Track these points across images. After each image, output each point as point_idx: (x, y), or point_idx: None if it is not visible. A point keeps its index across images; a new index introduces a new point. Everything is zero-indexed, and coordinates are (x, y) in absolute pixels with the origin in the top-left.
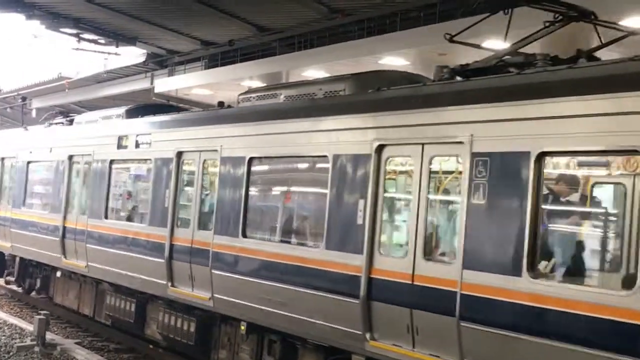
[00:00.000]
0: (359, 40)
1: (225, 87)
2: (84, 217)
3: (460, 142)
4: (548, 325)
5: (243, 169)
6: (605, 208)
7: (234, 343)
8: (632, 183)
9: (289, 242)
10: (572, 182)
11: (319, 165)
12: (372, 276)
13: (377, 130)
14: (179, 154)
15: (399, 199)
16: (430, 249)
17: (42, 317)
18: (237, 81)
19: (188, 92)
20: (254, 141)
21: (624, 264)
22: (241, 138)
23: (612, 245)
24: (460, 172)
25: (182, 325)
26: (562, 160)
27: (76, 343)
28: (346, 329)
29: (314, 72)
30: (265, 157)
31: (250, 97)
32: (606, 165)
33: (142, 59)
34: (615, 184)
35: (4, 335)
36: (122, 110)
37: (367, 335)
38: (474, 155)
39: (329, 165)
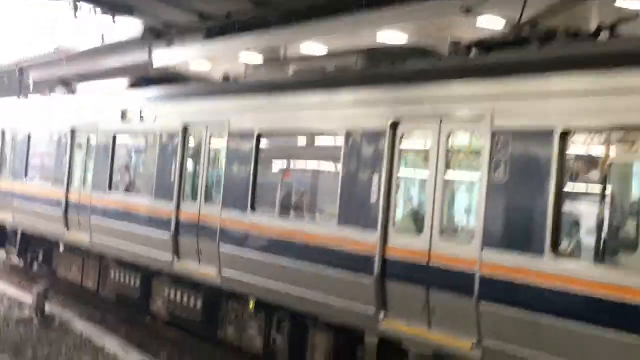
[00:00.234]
0: (358, 14)
1: (224, 62)
2: (87, 190)
3: (481, 118)
4: (571, 306)
5: (252, 143)
6: (632, 187)
7: (241, 320)
8: None
9: (300, 218)
10: (597, 160)
11: (332, 141)
12: (387, 254)
13: (392, 106)
14: (186, 127)
15: (415, 176)
16: (447, 227)
17: (40, 289)
18: (236, 55)
19: (187, 67)
20: (264, 115)
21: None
22: (251, 111)
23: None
24: (480, 149)
25: (188, 301)
26: (588, 137)
27: (76, 316)
28: (359, 307)
29: (312, 46)
30: (276, 132)
31: (260, 70)
32: (633, 142)
33: (140, 31)
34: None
35: (3, 307)
36: (127, 81)
37: (381, 314)
38: (495, 131)
39: (342, 141)
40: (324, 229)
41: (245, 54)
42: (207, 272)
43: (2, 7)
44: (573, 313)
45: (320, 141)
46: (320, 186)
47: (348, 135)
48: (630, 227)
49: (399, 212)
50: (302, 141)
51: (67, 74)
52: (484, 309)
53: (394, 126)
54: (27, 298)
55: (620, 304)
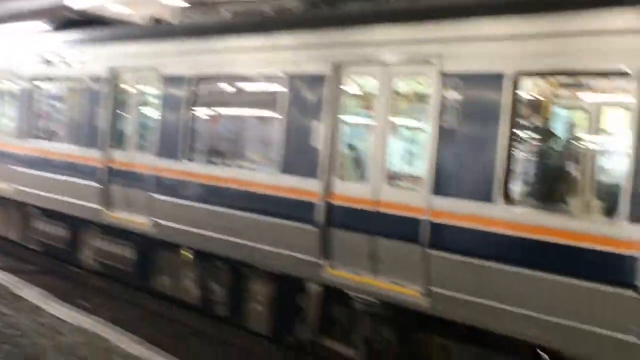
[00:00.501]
0: None
1: (145, 6)
2: (7, 138)
3: (428, 62)
4: (520, 253)
5: (187, 88)
6: (583, 133)
7: (177, 270)
8: (624, 107)
9: (240, 167)
10: (549, 105)
11: (272, 86)
12: (331, 202)
13: (335, 49)
14: (115, 72)
15: (360, 122)
16: (394, 174)
17: None
18: None
19: (103, 10)
20: (199, 59)
21: (603, 192)
22: (186, 55)
23: (591, 172)
24: (429, 94)
25: (119, 251)
26: (540, 81)
27: None
28: (302, 256)
29: None
30: (212, 76)
31: (193, 12)
32: (588, 88)
33: None
34: (596, 107)
35: None
36: (46, 23)
37: (325, 263)
38: (443, 75)
39: (283, 85)
40: (265, 176)
41: None
42: (140, 221)
43: None
44: (523, 259)
45: (260, 86)
46: (260, 133)
47: (289, 80)
48: (576, 172)
49: (344, 158)
50: (240, 86)
51: None
52: (433, 256)
53: (337, 70)
54: None
55: (568, 248)
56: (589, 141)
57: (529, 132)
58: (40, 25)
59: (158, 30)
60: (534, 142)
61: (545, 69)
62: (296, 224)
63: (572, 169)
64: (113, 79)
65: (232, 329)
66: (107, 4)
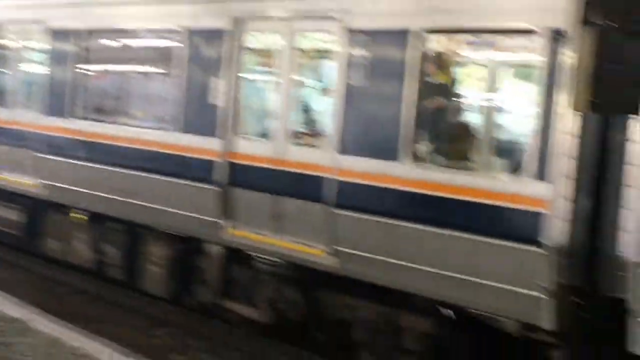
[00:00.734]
0: None
1: None
2: None
3: (332, 18)
4: (427, 211)
5: (78, 43)
6: (488, 91)
7: (69, 233)
8: (531, 65)
9: (135, 125)
10: (454, 64)
11: (170, 40)
12: (233, 161)
13: (233, 3)
14: None
15: (263, 79)
16: (299, 132)
17: None
18: None
19: None
20: (91, 12)
21: (508, 150)
22: (75, 8)
23: (496, 130)
24: (333, 51)
25: (8, 214)
26: (445, 39)
27: None
28: (203, 217)
29: None
30: (104, 30)
31: None
32: (494, 46)
33: None
34: (503, 65)
35: None
36: None
37: (226, 224)
38: (348, 32)
39: (181, 41)
40: (163, 135)
41: None
42: (27, 182)
43: None
44: (429, 217)
45: (157, 41)
46: (156, 90)
47: (187, 35)
48: (481, 130)
49: (246, 116)
50: (135, 41)
51: None
52: (340, 215)
53: (237, 24)
54: None
55: (474, 205)
56: (493, 99)
57: (435, 90)
58: None
59: None
60: (440, 101)
61: (451, 26)
62: (196, 183)
63: (477, 127)
64: None
65: (128, 292)
66: None
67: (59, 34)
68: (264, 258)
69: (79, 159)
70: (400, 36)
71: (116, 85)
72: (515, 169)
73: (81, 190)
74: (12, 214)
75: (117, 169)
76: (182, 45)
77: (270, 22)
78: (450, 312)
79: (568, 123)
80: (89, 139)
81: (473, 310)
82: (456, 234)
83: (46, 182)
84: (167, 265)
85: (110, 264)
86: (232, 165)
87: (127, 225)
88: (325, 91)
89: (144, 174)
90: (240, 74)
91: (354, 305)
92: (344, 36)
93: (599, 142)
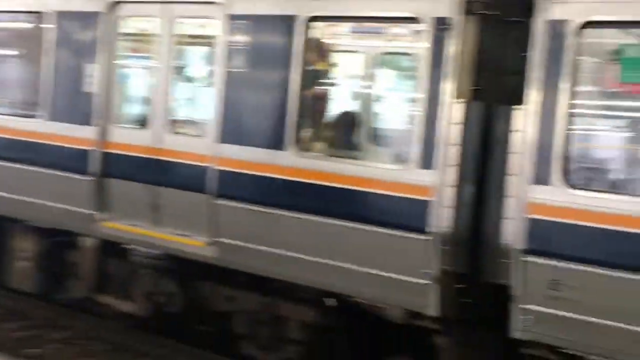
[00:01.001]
0: None
1: None
2: None
3: (214, 3)
4: (312, 201)
5: None
6: (372, 80)
7: None
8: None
9: (1, 113)
10: (338, 51)
11: (39, 23)
12: (108, 150)
13: None
14: None
15: (141, 64)
16: (178, 120)
17: None
18: None
19: None
20: None
21: (393, 138)
22: None
23: (381, 119)
24: (215, 37)
25: None
26: (330, 26)
27: None
28: (76, 209)
29: None
30: None
31: None
32: (378, 33)
33: None
34: (387, 53)
35: None
36: None
37: (100, 216)
38: (231, 17)
39: (51, 24)
40: (31, 123)
41: None
42: None
43: None
44: (315, 207)
45: (25, 24)
46: (25, 75)
47: (57, 17)
48: (367, 119)
49: (121, 104)
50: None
51: None
52: (221, 206)
53: (113, 7)
54: None
55: (360, 194)
56: (378, 88)
57: (320, 79)
58: None
59: None
60: (325, 89)
61: (335, 13)
62: (68, 174)
63: (362, 116)
64: None
65: None
66: None
67: None
68: (142, 250)
69: None
70: (283, 23)
71: None
72: (401, 157)
73: None
74: None
75: None
76: (53, 27)
77: (149, 6)
78: (333, 302)
79: (453, 112)
80: None
81: (358, 300)
82: (341, 223)
83: None
84: (36, 259)
85: None
86: (107, 155)
87: None
88: (205, 78)
89: (11, 164)
90: (116, 60)
91: (236, 296)
92: (225, 22)
93: (483, 131)
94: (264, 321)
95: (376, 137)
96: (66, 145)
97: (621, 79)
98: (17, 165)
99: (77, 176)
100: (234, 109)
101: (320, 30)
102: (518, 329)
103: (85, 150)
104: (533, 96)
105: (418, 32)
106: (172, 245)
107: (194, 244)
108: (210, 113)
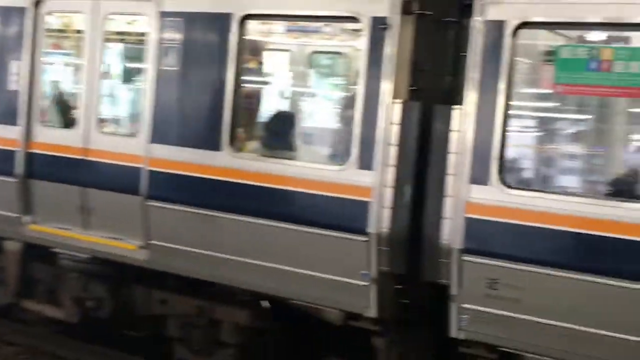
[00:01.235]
0: None
1: None
2: None
3: None
4: (248, 202)
5: None
6: (313, 78)
7: None
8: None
9: None
10: (273, 50)
11: None
12: (33, 151)
13: None
14: None
15: (66, 62)
16: (107, 120)
17: None
18: None
19: None
20: None
21: (333, 138)
22: None
23: (316, 118)
24: (146, 34)
25: None
26: (266, 25)
27: None
28: (0, 212)
29: None
30: None
31: None
32: (315, 33)
33: None
34: (323, 53)
35: None
36: None
37: (26, 219)
38: (163, 15)
39: None
40: None
41: None
42: None
43: None
44: (251, 208)
45: None
46: None
47: None
48: (301, 118)
49: (47, 102)
50: None
51: None
52: (153, 208)
53: (39, 2)
54: None
55: (298, 195)
56: (315, 88)
57: (255, 78)
58: None
59: None
60: (261, 89)
61: (271, 11)
62: None
63: (301, 115)
64: None
65: None
66: None
67: None
68: (69, 254)
69: None
70: (216, 20)
71: None
72: (340, 158)
73: None
74: None
75: None
76: None
77: (77, 1)
78: (267, 304)
79: (391, 112)
80: None
81: (295, 302)
82: (278, 224)
83: None
84: None
85: None
86: (33, 156)
87: None
88: (138, 77)
89: None
90: (43, 58)
91: (168, 299)
92: (157, 19)
93: (421, 131)
94: (197, 324)
95: (314, 137)
96: None
97: (555, 80)
98: None
99: (2, 178)
100: (165, 108)
101: (255, 29)
102: (456, 328)
103: (11, 151)
104: (470, 96)
105: (356, 31)
106: (102, 249)
107: (125, 247)
108: (141, 112)
